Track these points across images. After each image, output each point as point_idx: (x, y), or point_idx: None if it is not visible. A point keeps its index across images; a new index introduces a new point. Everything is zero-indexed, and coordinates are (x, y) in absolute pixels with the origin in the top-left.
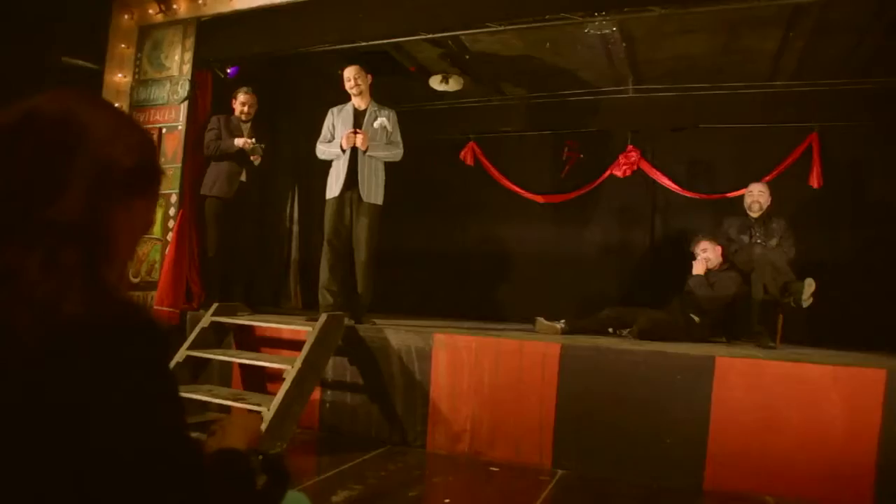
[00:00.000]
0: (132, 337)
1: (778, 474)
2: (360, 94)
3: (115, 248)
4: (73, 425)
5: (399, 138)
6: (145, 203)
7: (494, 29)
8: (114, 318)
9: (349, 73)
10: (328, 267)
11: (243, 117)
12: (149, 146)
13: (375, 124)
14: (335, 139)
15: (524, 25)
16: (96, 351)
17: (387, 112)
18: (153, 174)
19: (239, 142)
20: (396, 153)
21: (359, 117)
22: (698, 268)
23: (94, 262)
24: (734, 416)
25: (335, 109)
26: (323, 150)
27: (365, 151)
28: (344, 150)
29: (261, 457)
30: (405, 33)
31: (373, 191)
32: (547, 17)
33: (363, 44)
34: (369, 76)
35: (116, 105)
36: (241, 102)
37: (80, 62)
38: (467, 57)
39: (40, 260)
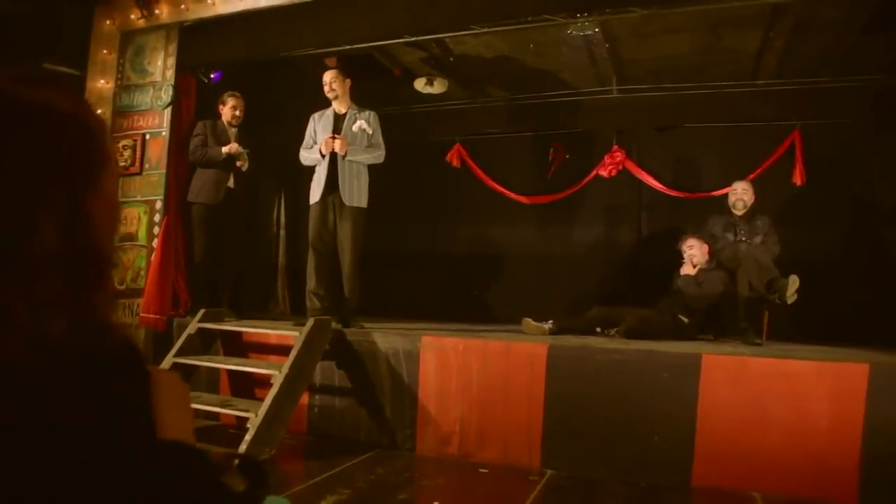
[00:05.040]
0: (112, 365)
1: (765, 470)
2: (336, 98)
3: (100, 241)
4: (51, 449)
5: (380, 140)
6: (109, 175)
7: (477, 31)
8: (95, 343)
9: (326, 77)
10: (314, 271)
11: (234, 122)
12: (91, 113)
13: (354, 127)
14: (317, 145)
15: (507, 27)
16: (76, 377)
17: (367, 114)
18: (106, 141)
19: (226, 149)
20: (378, 155)
21: (339, 121)
22: (688, 268)
23: (82, 279)
24: (721, 413)
25: (316, 115)
26: (305, 157)
27: (344, 156)
28: (323, 156)
29: (237, 460)
30: (388, 37)
31: (355, 194)
32: (529, 18)
33: (346, 47)
34: (347, 80)
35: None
36: (233, 107)
37: (63, 69)
38: (451, 59)
39: (26, 295)
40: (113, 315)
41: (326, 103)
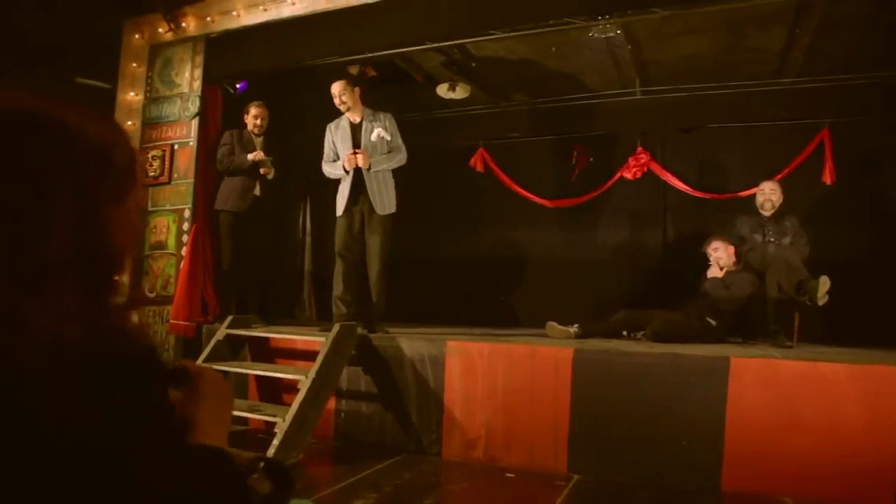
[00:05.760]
0: (128, 367)
1: (796, 475)
2: (348, 109)
3: (118, 255)
4: (70, 455)
5: (400, 142)
6: (135, 193)
7: (499, 36)
8: (112, 347)
9: (334, 90)
10: (341, 278)
11: (256, 131)
12: (123, 139)
13: (373, 137)
14: (339, 158)
15: (528, 32)
16: (93, 381)
17: (382, 119)
18: (132, 162)
19: (251, 156)
20: (400, 159)
21: (356, 132)
22: (714, 270)
23: (97, 287)
24: (751, 416)
25: (332, 125)
26: (329, 171)
27: (369, 169)
28: (347, 172)
29: (263, 463)
30: (409, 43)
31: (385, 202)
32: (551, 22)
33: (369, 55)
34: (356, 88)
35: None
36: (254, 116)
37: (94, 82)
38: (473, 64)
39: (39, 299)
40: (129, 320)
41: None
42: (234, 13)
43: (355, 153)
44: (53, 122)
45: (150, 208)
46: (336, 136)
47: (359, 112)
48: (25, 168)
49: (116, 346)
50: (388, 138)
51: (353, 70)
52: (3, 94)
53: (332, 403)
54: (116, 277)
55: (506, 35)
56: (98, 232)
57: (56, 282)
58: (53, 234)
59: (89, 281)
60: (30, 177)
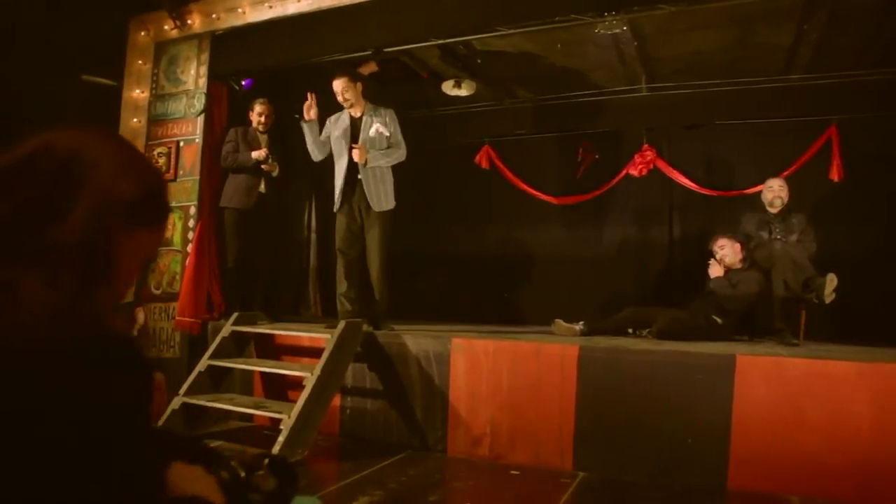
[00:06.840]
0: (110, 365)
1: (803, 473)
2: (351, 105)
3: (115, 273)
4: (47, 444)
5: (400, 137)
6: (149, 234)
7: (504, 33)
8: (97, 343)
9: (337, 87)
10: (343, 275)
11: (261, 128)
12: (155, 181)
13: (371, 132)
14: (327, 144)
15: (534, 28)
16: (75, 374)
17: (383, 114)
18: (158, 207)
19: (255, 154)
20: (399, 155)
21: (355, 127)
22: (715, 269)
23: (90, 286)
24: (757, 414)
25: (332, 118)
26: (311, 149)
27: (365, 164)
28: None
29: (267, 460)
30: (415, 40)
31: (382, 199)
32: (557, 18)
33: (373, 51)
34: (358, 84)
35: (129, 141)
36: (258, 113)
37: (100, 80)
38: (479, 61)
39: (40, 277)
40: (115, 319)
41: None
42: (240, 10)
43: (352, 148)
44: (80, 155)
45: None
46: (334, 128)
47: (360, 107)
48: (56, 180)
49: (95, 340)
50: (388, 134)
51: (365, 70)
52: (68, 131)
53: (337, 400)
54: (111, 277)
55: (511, 31)
56: (105, 240)
57: (58, 264)
58: (68, 225)
59: (88, 275)
60: (57, 185)
